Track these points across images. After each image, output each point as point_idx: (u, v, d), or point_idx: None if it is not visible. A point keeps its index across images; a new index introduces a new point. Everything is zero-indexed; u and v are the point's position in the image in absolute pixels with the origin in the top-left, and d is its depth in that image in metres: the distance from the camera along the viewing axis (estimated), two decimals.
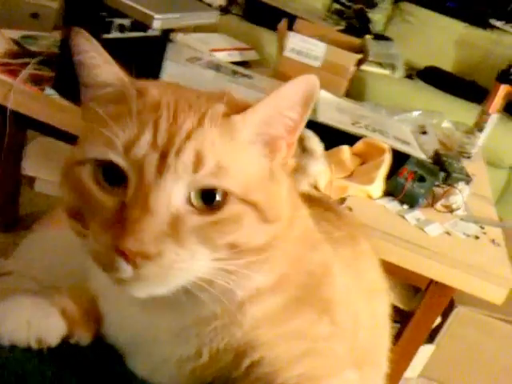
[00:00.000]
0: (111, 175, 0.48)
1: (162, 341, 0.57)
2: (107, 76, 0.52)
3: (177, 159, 0.47)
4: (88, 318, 0.64)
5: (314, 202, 0.58)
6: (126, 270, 0.46)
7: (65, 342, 0.61)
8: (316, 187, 1.32)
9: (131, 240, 0.44)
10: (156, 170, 0.46)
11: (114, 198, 0.48)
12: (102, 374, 0.60)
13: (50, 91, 1.38)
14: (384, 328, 0.79)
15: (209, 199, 0.48)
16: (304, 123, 0.54)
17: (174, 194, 0.47)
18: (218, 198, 0.48)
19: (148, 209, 0.46)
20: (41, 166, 1.98)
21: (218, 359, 0.55)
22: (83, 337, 0.63)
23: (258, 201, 0.50)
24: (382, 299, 0.78)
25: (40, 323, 0.59)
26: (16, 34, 1.59)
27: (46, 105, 1.39)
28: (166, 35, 1.49)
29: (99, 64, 0.51)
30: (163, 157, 0.47)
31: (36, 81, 1.42)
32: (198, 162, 0.47)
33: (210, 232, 0.48)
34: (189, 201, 0.48)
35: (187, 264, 0.48)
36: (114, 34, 1.31)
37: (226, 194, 0.48)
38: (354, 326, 0.66)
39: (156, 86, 0.53)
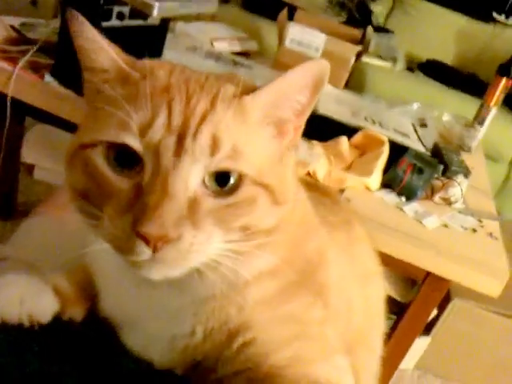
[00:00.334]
0: (124, 157, 0.48)
1: (157, 317, 0.57)
2: (104, 61, 0.51)
3: (194, 142, 0.47)
4: (81, 295, 0.65)
5: (311, 186, 0.58)
6: (145, 253, 0.46)
7: (57, 318, 0.61)
8: (315, 178, 1.32)
9: (153, 225, 0.45)
10: (173, 153, 0.47)
11: (128, 180, 0.48)
12: (93, 349, 0.60)
13: (49, 79, 1.38)
14: (378, 311, 0.79)
15: (223, 182, 0.49)
16: (312, 107, 0.54)
17: (191, 177, 0.47)
18: (232, 180, 0.49)
19: (167, 193, 0.46)
20: (40, 153, 1.98)
21: (212, 338, 0.56)
22: (76, 313, 0.64)
23: (271, 183, 0.51)
24: (376, 283, 0.79)
25: (32, 300, 0.60)
26: (15, 21, 1.58)
27: (46, 92, 1.38)
28: (165, 24, 1.49)
29: (94, 49, 0.51)
30: (180, 140, 0.47)
31: (35, 68, 1.41)
32: (214, 145, 0.47)
33: (225, 214, 0.49)
34: (204, 184, 0.48)
35: (203, 246, 0.48)
36: (113, 22, 1.31)
37: (240, 177, 0.49)
38: (347, 310, 0.67)
39: (161, 67, 0.52)
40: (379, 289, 0.80)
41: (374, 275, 0.79)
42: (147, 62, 0.53)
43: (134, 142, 0.47)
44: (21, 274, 0.63)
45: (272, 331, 0.56)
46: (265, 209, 0.51)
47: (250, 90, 0.51)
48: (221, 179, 0.49)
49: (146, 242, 0.45)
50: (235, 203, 0.49)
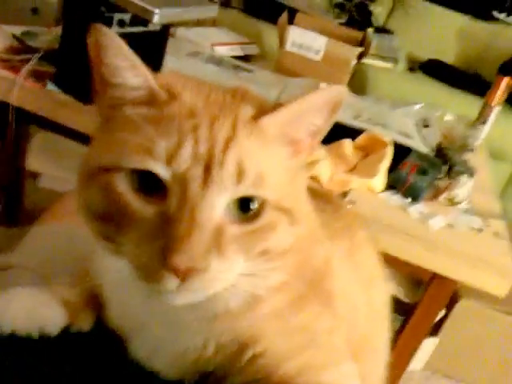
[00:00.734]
0: (147, 183, 0.47)
1: (167, 330, 0.57)
2: (136, 80, 0.50)
3: (220, 172, 0.46)
4: (88, 305, 0.64)
5: (312, 192, 0.58)
6: (172, 282, 0.46)
7: (65, 329, 0.61)
8: (318, 181, 1.32)
9: (182, 256, 0.44)
10: (201, 183, 0.46)
11: (152, 207, 0.47)
12: (101, 359, 0.60)
13: (51, 87, 1.38)
14: (383, 316, 0.79)
15: (244, 207, 0.49)
16: (327, 129, 0.54)
17: (217, 205, 0.47)
18: (254, 206, 0.49)
19: (195, 223, 0.45)
20: (44, 161, 1.98)
21: (223, 351, 0.56)
22: (83, 323, 0.63)
23: (289, 206, 0.51)
24: (379, 288, 0.79)
25: (40, 312, 0.60)
26: (17, 29, 1.59)
27: (48, 100, 1.39)
28: (166, 30, 1.49)
29: (127, 66, 0.49)
30: (206, 169, 0.46)
31: (37, 76, 1.42)
32: (240, 174, 0.47)
33: (248, 241, 0.49)
34: (227, 211, 0.48)
35: (228, 274, 0.48)
36: (114, 30, 1.31)
37: (262, 203, 0.49)
38: (352, 317, 0.67)
39: (184, 86, 0.51)
40: (383, 293, 0.80)
41: (377, 280, 0.79)
42: (174, 81, 0.52)
43: (161, 170, 0.46)
44: (28, 286, 0.63)
45: (282, 342, 0.56)
46: (284, 231, 0.51)
47: (265, 108, 0.51)
48: (243, 205, 0.48)
49: (174, 272, 0.45)
50: (257, 229, 0.49)
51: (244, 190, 0.48)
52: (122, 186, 0.48)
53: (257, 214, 0.49)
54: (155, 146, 0.46)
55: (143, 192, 0.48)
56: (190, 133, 0.47)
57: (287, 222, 0.51)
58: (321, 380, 0.56)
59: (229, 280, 0.49)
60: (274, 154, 0.51)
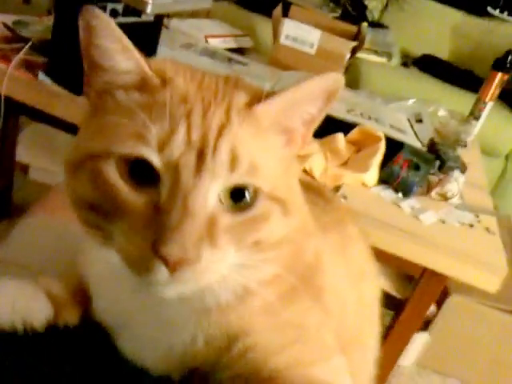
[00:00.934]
0: (138, 170, 0.46)
1: (154, 324, 0.56)
2: (127, 63, 0.49)
3: (214, 159, 0.46)
4: (75, 298, 0.64)
5: (304, 185, 0.57)
6: (163, 273, 0.45)
7: (50, 323, 0.61)
8: (311, 175, 1.31)
9: (174, 246, 0.43)
10: (194, 170, 0.45)
11: (143, 195, 0.46)
12: (88, 353, 0.60)
13: (43, 77, 1.37)
14: (372, 311, 0.79)
15: (237, 197, 0.48)
16: (321, 118, 0.53)
17: (210, 194, 0.46)
18: (247, 195, 0.48)
19: (188, 212, 0.44)
20: (35, 153, 1.97)
21: (212, 345, 0.55)
22: (70, 317, 0.63)
23: (282, 196, 0.50)
24: (369, 283, 0.79)
25: (25, 305, 0.59)
26: (8, 18, 1.57)
27: (40, 91, 1.37)
28: (159, 21, 1.48)
29: (118, 49, 0.48)
30: (199, 156, 0.45)
31: (29, 67, 1.40)
32: (233, 161, 0.46)
33: (240, 231, 0.48)
34: (220, 200, 0.47)
35: (219, 265, 0.48)
36: None
37: (255, 192, 0.48)
38: (341, 311, 0.67)
39: (176, 71, 0.50)
40: (373, 288, 0.80)
41: (367, 275, 0.79)
42: (167, 66, 0.51)
43: (153, 157, 0.45)
44: (13, 279, 0.62)
45: (272, 336, 0.56)
46: (277, 222, 0.51)
47: (259, 96, 0.50)
48: (235, 194, 0.48)
49: (166, 262, 0.44)
50: (251, 219, 0.48)
51: (237, 179, 0.47)
52: (112, 173, 0.47)
53: (250, 204, 0.48)
54: (147, 132, 0.45)
55: (134, 180, 0.47)
56: (182, 119, 0.46)
57: (280, 212, 0.51)
58: (310, 374, 0.56)
59: (221, 271, 0.48)
60: (267, 143, 0.50)
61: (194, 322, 0.55)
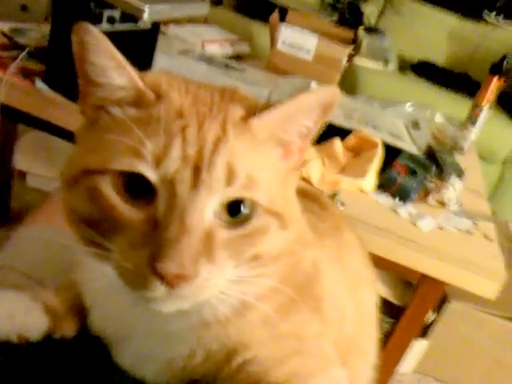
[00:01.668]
0: (135, 186, 0.46)
1: (152, 338, 0.56)
2: (121, 80, 0.49)
3: (210, 174, 0.45)
4: (72, 312, 0.63)
5: (299, 192, 0.57)
6: (160, 290, 0.45)
7: (47, 335, 0.60)
8: (308, 181, 1.31)
9: (171, 263, 0.43)
10: (190, 186, 0.45)
11: (140, 211, 0.46)
12: (85, 366, 0.59)
13: (40, 84, 1.37)
14: (370, 318, 0.79)
15: (234, 211, 0.47)
16: (317, 131, 0.53)
17: (206, 209, 0.46)
18: (244, 209, 0.48)
19: (185, 228, 0.44)
20: (33, 160, 1.96)
21: (211, 359, 0.55)
22: (67, 330, 0.62)
23: (280, 210, 0.50)
24: (367, 289, 0.79)
25: (21, 317, 0.58)
26: (5, 26, 1.57)
27: (37, 98, 1.37)
28: (156, 27, 1.48)
29: (112, 66, 0.48)
30: (195, 171, 0.45)
31: (26, 74, 1.40)
32: (230, 176, 0.46)
33: (238, 245, 0.48)
34: (216, 215, 0.47)
35: (217, 280, 0.47)
36: (104, 26, 1.30)
37: (252, 206, 0.48)
38: (339, 319, 0.67)
39: (171, 85, 0.50)
40: (371, 295, 0.80)
41: (364, 281, 0.78)
42: (162, 80, 0.51)
43: (149, 173, 0.45)
44: (9, 291, 0.62)
45: (271, 349, 0.55)
46: (275, 235, 0.50)
47: (255, 109, 0.50)
48: (233, 209, 0.47)
49: (163, 279, 0.44)
50: (248, 233, 0.48)
51: (234, 193, 0.47)
52: (108, 189, 0.46)
53: (247, 218, 0.48)
54: (142, 148, 0.45)
55: (130, 195, 0.46)
56: (178, 134, 0.46)
57: (278, 225, 0.51)
58: None
59: (218, 286, 0.48)
60: (264, 156, 0.50)
61: (193, 335, 0.55)
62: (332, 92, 0.51)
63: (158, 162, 0.45)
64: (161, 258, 0.43)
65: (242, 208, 0.48)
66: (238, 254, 0.48)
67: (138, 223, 0.46)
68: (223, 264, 0.47)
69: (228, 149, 0.47)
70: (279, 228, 0.51)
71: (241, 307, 0.53)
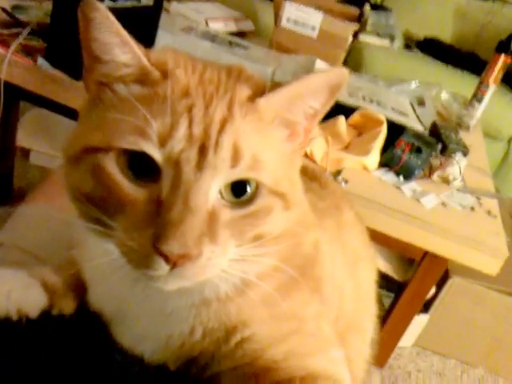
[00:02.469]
0: (139, 165, 0.46)
1: (152, 316, 0.56)
2: (126, 57, 0.48)
3: (215, 154, 0.45)
4: (71, 289, 0.64)
5: (300, 170, 0.57)
6: (163, 269, 0.45)
7: (45, 312, 0.61)
8: (312, 159, 1.31)
9: (175, 243, 0.43)
10: (195, 166, 0.45)
11: (144, 190, 0.46)
12: (82, 343, 0.60)
13: (42, 62, 1.36)
14: (369, 295, 0.80)
15: (239, 191, 0.47)
16: (324, 112, 0.53)
17: (211, 190, 0.46)
18: (249, 190, 0.48)
19: (189, 208, 0.44)
20: (36, 137, 1.96)
21: (210, 336, 0.55)
22: (65, 307, 0.63)
23: (284, 190, 0.50)
24: (365, 267, 0.79)
25: (19, 294, 0.59)
26: (6, 3, 1.56)
27: (38, 76, 1.37)
28: (159, 4, 1.46)
29: (117, 43, 0.48)
30: (201, 151, 0.45)
31: (28, 51, 1.39)
32: (235, 156, 0.46)
33: (241, 225, 0.48)
34: (221, 195, 0.47)
35: (220, 260, 0.47)
36: (106, 3, 1.29)
37: (257, 186, 0.48)
38: (339, 298, 0.67)
39: (177, 63, 0.50)
40: (370, 272, 0.80)
41: (363, 260, 0.79)
42: (168, 58, 0.50)
43: (154, 152, 0.45)
44: (8, 268, 0.62)
45: (270, 328, 0.56)
46: (278, 216, 0.51)
47: (262, 89, 0.50)
48: (237, 189, 0.47)
49: (166, 259, 0.44)
50: (252, 213, 0.48)
51: (239, 174, 0.47)
52: (112, 166, 0.46)
53: (251, 198, 0.48)
54: (147, 127, 0.45)
55: (134, 174, 0.46)
56: (184, 113, 0.46)
57: (281, 206, 0.51)
58: (307, 365, 0.56)
59: (221, 266, 0.48)
60: (270, 137, 0.50)
61: (193, 313, 0.55)
62: (341, 73, 0.50)
63: (163, 141, 0.45)
64: (164, 237, 0.43)
65: (247, 188, 0.48)
66: (241, 234, 0.48)
67: (142, 202, 0.46)
68: (226, 244, 0.47)
69: (234, 129, 0.46)
70: (283, 209, 0.51)
71: (242, 285, 0.53)
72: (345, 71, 0.50)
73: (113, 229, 0.47)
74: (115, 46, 0.48)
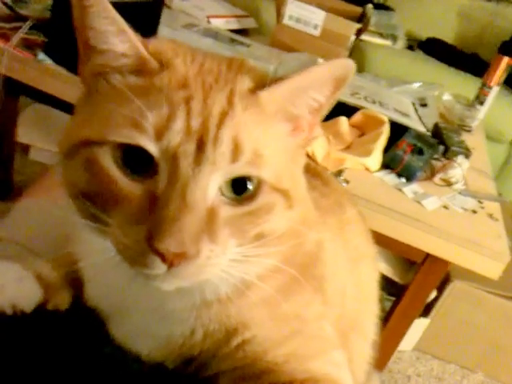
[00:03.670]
0: (135, 159, 0.44)
1: (151, 315, 0.55)
2: (123, 46, 0.47)
3: (215, 149, 0.43)
4: (66, 282, 0.62)
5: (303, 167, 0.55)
6: (160, 268, 0.43)
7: (40, 306, 0.60)
8: (313, 159, 1.30)
9: (171, 241, 0.42)
10: (193, 160, 0.43)
11: (140, 185, 0.44)
12: (77, 338, 0.59)
13: (42, 56, 1.35)
14: (371, 295, 0.78)
15: (239, 188, 0.46)
16: (329, 106, 0.51)
17: (210, 186, 0.44)
18: (250, 186, 0.46)
19: (186, 205, 0.42)
20: (35, 133, 1.95)
21: (210, 337, 0.54)
22: (60, 302, 0.62)
23: (287, 187, 0.49)
24: (368, 265, 0.78)
25: (13, 288, 0.58)
26: None
27: (39, 70, 1.36)
28: (160, 0, 1.45)
29: (113, 31, 0.46)
30: (199, 145, 0.43)
31: (28, 46, 1.38)
32: (235, 151, 0.44)
33: (242, 223, 0.46)
34: (220, 191, 0.45)
35: (219, 259, 0.46)
36: None
37: (258, 183, 0.46)
38: (341, 297, 0.66)
39: (175, 53, 0.48)
40: (371, 271, 0.79)
41: (366, 258, 0.78)
42: (166, 48, 0.48)
43: (150, 146, 0.43)
44: (2, 261, 0.61)
45: (271, 329, 0.54)
46: (280, 214, 0.49)
47: (264, 81, 0.48)
48: (237, 185, 0.46)
49: (163, 258, 0.42)
50: (252, 211, 0.47)
51: (239, 169, 0.45)
52: (107, 161, 0.45)
53: (252, 195, 0.46)
54: (143, 120, 0.43)
55: (130, 169, 0.45)
56: (181, 105, 0.44)
57: (284, 204, 0.49)
58: (308, 369, 0.55)
59: (220, 266, 0.47)
60: (272, 131, 0.48)
61: (194, 315, 0.54)
62: (346, 64, 0.48)
63: (160, 134, 0.43)
64: (160, 235, 0.42)
65: (248, 184, 0.46)
66: (242, 233, 0.47)
67: (137, 198, 0.44)
68: (226, 243, 0.46)
69: (234, 122, 0.45)
70: (285, 207, 0.49)
71: (242, 287, 0.52)
72: (350, 62, 0.48)
73: (108, 225, 0.45)
74: (112, 34, 0.46)
